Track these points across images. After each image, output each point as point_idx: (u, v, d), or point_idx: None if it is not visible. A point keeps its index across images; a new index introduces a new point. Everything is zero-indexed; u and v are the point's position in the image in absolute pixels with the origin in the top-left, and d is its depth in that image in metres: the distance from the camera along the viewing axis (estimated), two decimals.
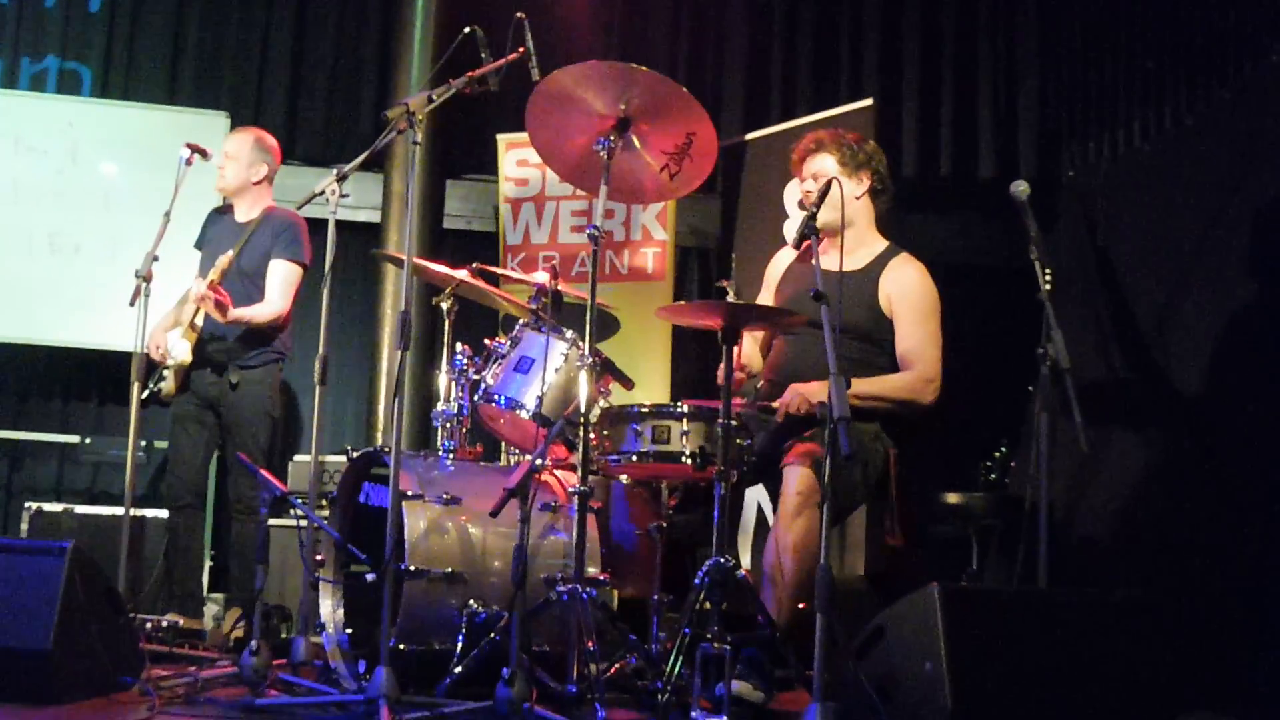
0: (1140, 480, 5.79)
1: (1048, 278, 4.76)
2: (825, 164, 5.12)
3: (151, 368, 5.97)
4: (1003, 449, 6.80)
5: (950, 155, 8.47)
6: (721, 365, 4.71)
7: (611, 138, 4.65)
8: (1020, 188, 4.85)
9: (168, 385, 6.02)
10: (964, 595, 3.73)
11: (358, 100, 8.60)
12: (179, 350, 5.98)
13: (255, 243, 6.13)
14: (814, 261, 4.19)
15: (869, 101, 6.93)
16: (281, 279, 6.13)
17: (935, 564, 6.64)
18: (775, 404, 4.81)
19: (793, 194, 6.54)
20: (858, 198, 5.10)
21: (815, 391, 4.72)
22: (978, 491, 6.64)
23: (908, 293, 5.03)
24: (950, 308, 5.17)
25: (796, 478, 4.61)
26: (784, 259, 5.48)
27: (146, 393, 5.96)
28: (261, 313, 6.04)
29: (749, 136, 7.40)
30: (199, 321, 5.96)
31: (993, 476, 6.79)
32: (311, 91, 8.63)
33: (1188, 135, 6.25)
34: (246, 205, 6.31)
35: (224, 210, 6.38)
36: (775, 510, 4.74)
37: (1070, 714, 3.67)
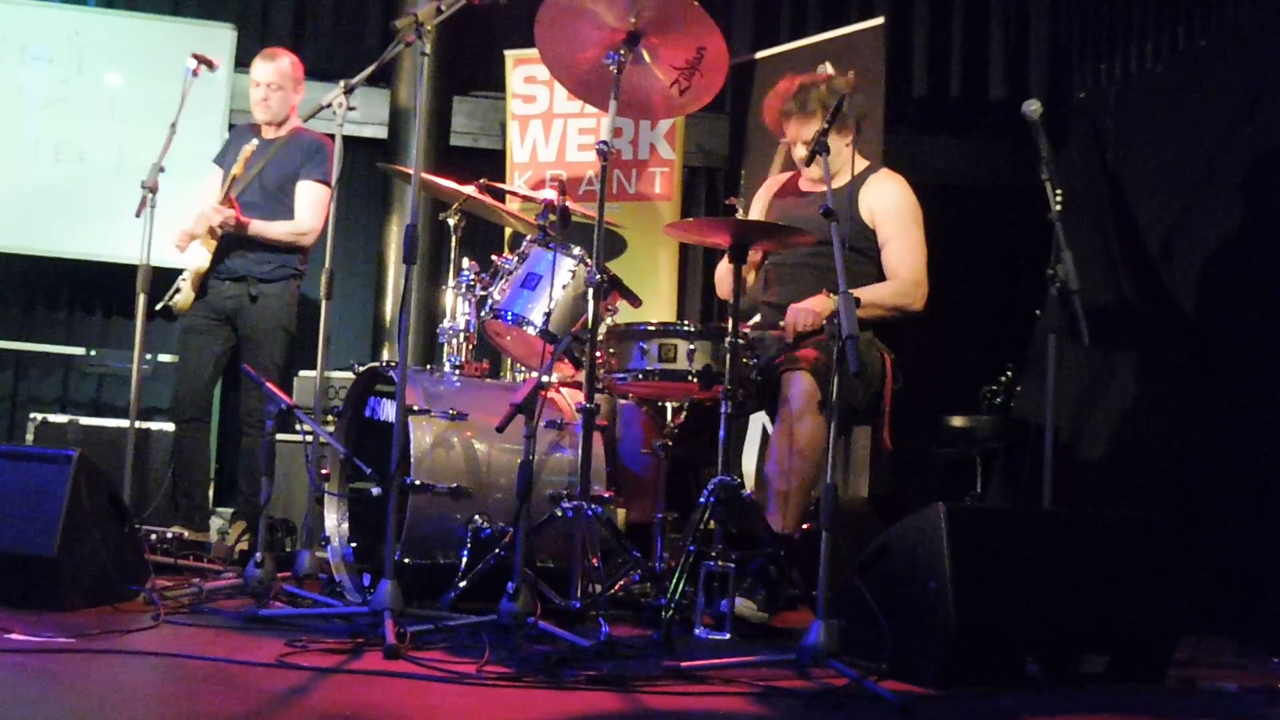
0: (1144, 402, 5.79)
1: (1058, 198, 4.73)
2: (813, 130, 5.06)
3: (165, 278, 5.95)
4: (1008, 372, 6.79)
5: (960, 76, 8.40)
6: (719, 269, 4.69)
7: (622, 51, 4.61)
8: (1033, 107, 4.82)
9: (183, 296, 6.02)
10: (969, 514, 3.74)
11: (364, 13, 8.51)
12: (198, 256, 5.97)
13: (281, 160, 6.11)
14: (825, 175, 4.16)
15: (879, 21, 6.85)
16: (313, 199, 6.12)
17: (939, 486, 6.67)
18: (782, 324, 4.82)
19: None
20: (847, 145, 5.14)
21: (819, 306, 4.75)
22: (983, 414, 6.64)
23: (888, 204, 5.12)
24: (956, 229, 5.18)
25: (796, 382, 4.62)
26: (768, 188, 5.55)
27: (161, 304, 5.96)
28: (291, 229, 6.07)
29: (758, 55, 7.33)
30: (219, 230, 5.96)
31: (998, 400, 6.79)
32: (318, 4, 8.54)
33: (1201, 56, 6.19)
34: (276, 127, 6.27)
35: (251, 129, 6.32)
36: (774, 421, 4.75)
37: (1073, 633, 3.69)
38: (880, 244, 5.08)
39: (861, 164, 5.27)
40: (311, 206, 6.12)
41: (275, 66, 6.21)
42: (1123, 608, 3.76)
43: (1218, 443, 5.30)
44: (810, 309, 4.79)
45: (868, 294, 4.81)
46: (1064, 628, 3.69)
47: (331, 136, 5.08)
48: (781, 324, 4.84)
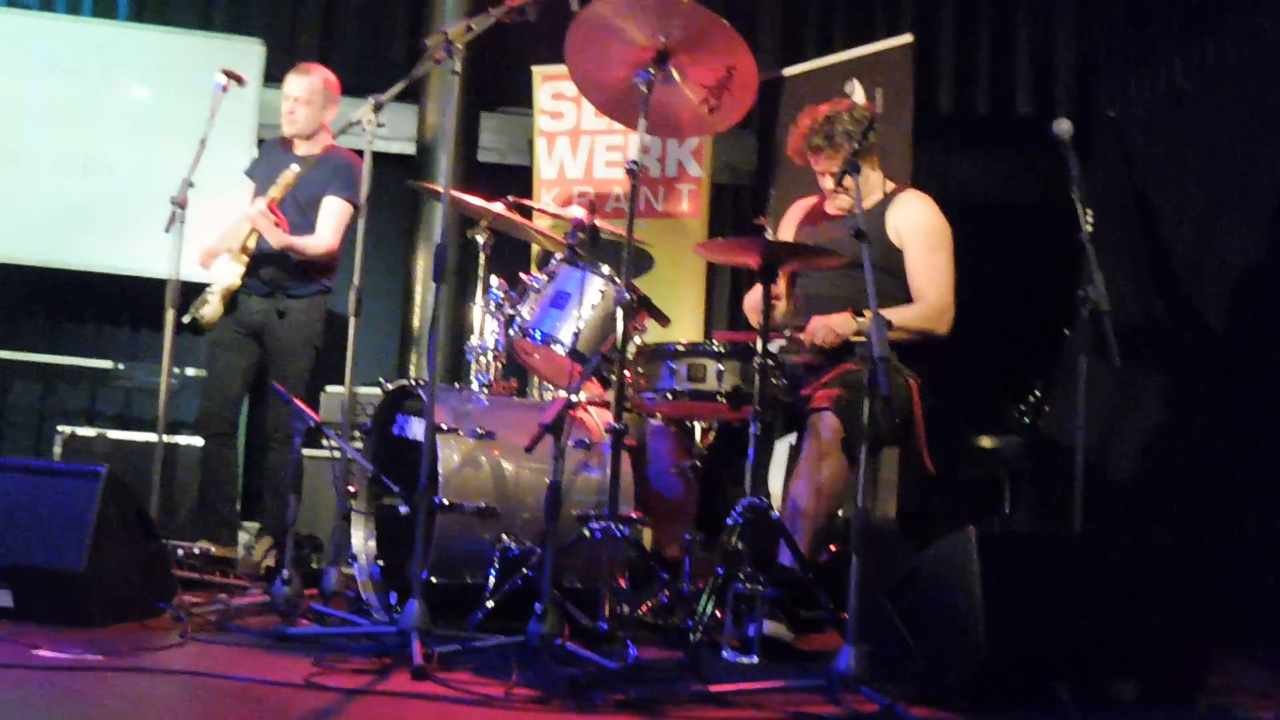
0: (1174, 422, 5.77)
1: (1089, 217, 4.71)
2: (837, 165, 5.06)
3: (194, 293, 5.96)
4: (1036, 392, 6.76)
5: (988, 92, 8.38)
6: (749, 294, 4.69)
7: (651, 70, 4.60)
8: (1063, 126, 4.80)
9: (210, 310, 6.02)
10: (1000, 538, 3.73)
11: (391, 28, 8.54)
12: (228, 272, 5.98)
13: (313, 177, 6.09)
14: (857, 195, 4.15)
15: (908, 38, 6.84)
16: (333, 215, 6.11)
17: (967, 507, 6.64)
18: (800, 336, 4.83)
19: None
20: (873, 170, 5.16)
21: (839, 323, 4.75)
22: (1011, 435, 6.61)
23: (916, 225, 5.12)
24: (984, 247, 5.17)
25: (822, 422, 4.61)
26: (794, 212, 5.54)
27: (188, 317, 5.97)
28: (311, 244, 6.03)
29: (786, 72, 7.32)
30: (251, 244, 5.96)
31: (1026, 420, 6.76)
32: (346, 18, 8.57)
33: (1230, 71, 6.16)
34: (307, 142, 6.27)
35: (282, 144, 6.33)
36: (800, 452, 4.75)
37: (1103, 657, 3.66)
38: (907, 265, 5.06)
39: (888, 185, 5.25)
40: (331, 223, 6.12)
41: (305, 82, 6.21)
42: (1154, 631, 3.73)
43: (1249, 463, 5.27)
44: (832, 326, 4.80)
45: (893, 316, 4.80)
46: (1094, 651, 3.66)
47: (361, 154, 5.07)
48: (802, 335, 4.85)
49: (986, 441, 6.46)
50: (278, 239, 5.86)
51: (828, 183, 5.17)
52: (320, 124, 6.25)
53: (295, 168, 5.94)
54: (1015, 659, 3.54)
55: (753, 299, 5.25)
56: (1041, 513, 6.25)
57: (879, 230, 5.06)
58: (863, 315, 4.08)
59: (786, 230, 5.46)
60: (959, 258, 5.11)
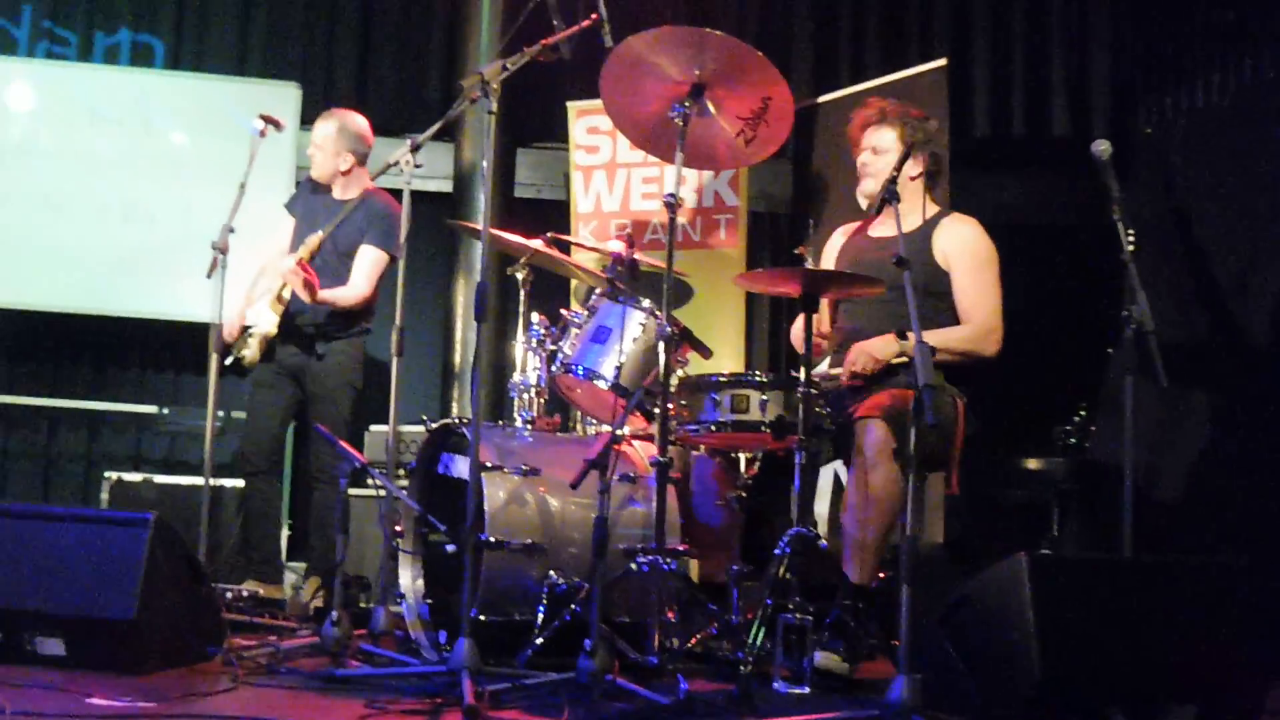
0: (1223, 441, 5.72)
1: (1130, 238, 4.69)
2: (885, 138, 5.12)
3: (230, 345, 6.00)
4: (1081, 413, 6.72)
5: (1023, 113, 8.35)
6: (795, 325, 4.68)
7: (687, 103, 4.61)
8: (1101, 147, 4.79)
9: (250, 354, 6.05)
10: (1052, 563, 3.71)
11: (426, 69, 8.57)
12: (265, 321, 6.01)
13: (350, 223, 6.11)
14: (896, 223, 4.14)
15: (942, 62, 6.83)
16: (369, 264, 6.11)
17: (1014, 530, 6.60)
18: (840, 369, 4.82)
19: None
20: (913, 178, 5.09)
21: (879, 348, 4.74)
22: (1057, 456, 6.57)
23: (963, 246, 5.08)
24: (1024, 269, 5.15)
25: (870, 431, 4.58)
26: (836, 239, 5.52)
27: (231, 358, 6.00)
28: (345, 295, 6.04)
29: (821, 99, 7.32)
30: (286, 295, 5.98)
31: (1072, 441, 6.71)
32: (380, 61, 8.61)
33: (1267, 88, 6.14)
34: (341, 186, 6.30)
35: (316, 185, 6.38)
36: (849, 469, 4.72)
37: (1158, 683, 3.63)
38: (954, 287, 5.04)
39: (934, 208, 5.23)
40: (366, 272, 6.12)
41: (320, 127, 6.26)
42: (1210, 656, 3.69)
43: None
44: (871, 353, 4.78)
45: (938, 338, 4.78)
46: (1150, 677, 3.63)
47: (399, 194, 5.09)
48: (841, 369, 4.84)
49: (1033, 464, 6.42)
50: (308, 296, 5.87)
51: (867, 185, 5.16)
52: (336, 170, 6.26)
53: (320, 235, 5.94)
54: (1069, 685, 3.51)
55: (797, 330, 5.25)
56: (1090, 535, 6.20)
57: (925, 252, 5.03)
58: (906, 337, 4.06)
59: (829, 256, 5.45)
60: (1000, 277, 5.09)
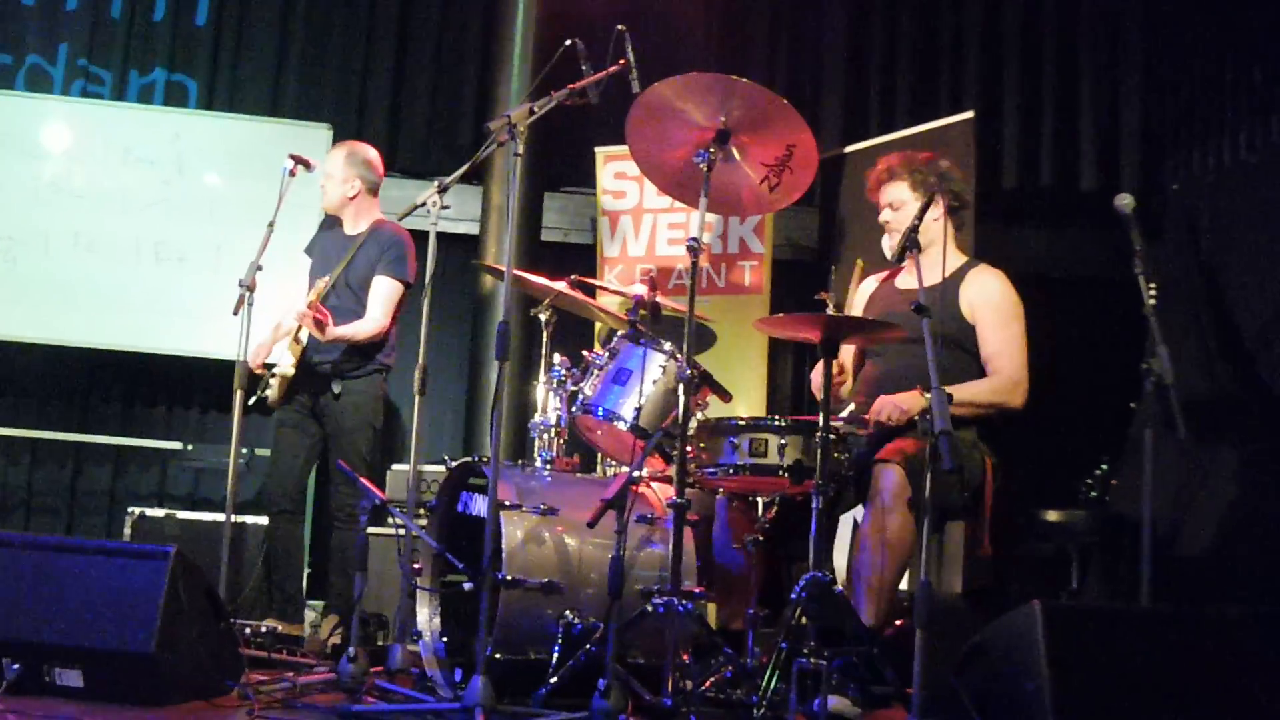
0: (1245, 496, 5.69)
1: (1152, 292, 4.69)
2: (899, 193, 5.16)
3: (257, 377, 6.04)
4: (1104, 466, 6.70)
5: (1051, 167, 8.37)
6: (815, 371, 4.69)
7: (712, 150, 4.63)
8: (1125, 201, 4.80)
9: (273, 394, 6.09)
10: (1066, 613, 3.69)
11: (458, 113, 8.66)
12: (283, 362, 6.04)
13: (362, 256, 6.17)
14: (917, 273, 4.16)
15: (970, 114, 6.87)
16: (384, 296, 6.15)
17: (1035, 582, 6.57)
18: (866, 416, 4.81)
19: None
20: (936, 219, 5.10)
21: (907, 402, 4.73)
22: (1078, 509, 6.55)
23: (989, 298, 5.10)
24: (1050, 321, 5.15)
25: (887, 476, 4.60)
26: (867, 286, 5.53)
27: (253, 399, 6.05)
28: (361, 330, 6.07)
29: (848, 149, 7.36)
30: (303, 336, 6.02)
31: (1093, 494, 6.69)
32: (412, 104, 8.69)
33: None
34: (352, 218, 6.36)
35: (335, 221, 6.43)
36: (865, 513, 4.73)
37: None
38: (980, 339, 5.05)
39: (960, 259, 5.25)
40: (382, 303, 6.16)
41: (330, 157, 6.37)
42: (1227, 710, 3.67)
43: None
44: (899, 405, 4.78)
45: (965, 392, 4.79)
46: None
47: (425, 234, 5.13)
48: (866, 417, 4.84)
49: (1053, 515, 6.40)
50: (323, 335, 5.90)
51: (884, 216, 5.18)
52: (345, 197, 6.32)
53: (327, 279, 6.01)
54: None
55: (817, 376, 5.26)
56: (1110, 588, 6.17)
57: (952, 304, 5.05)
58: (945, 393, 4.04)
59: (859, 303, 5.46)
60: (1025, 331, 5.09)
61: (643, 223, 7.60)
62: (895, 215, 5.17)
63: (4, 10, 8.42)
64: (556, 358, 5.06)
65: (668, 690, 4.13)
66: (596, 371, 4.82)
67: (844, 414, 5.11)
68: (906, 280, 5.30)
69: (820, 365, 4.93)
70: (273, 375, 6.10)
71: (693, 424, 4.49)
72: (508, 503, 4.48)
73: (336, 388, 6.12)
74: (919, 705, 3.52)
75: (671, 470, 4.45)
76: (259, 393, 6.10)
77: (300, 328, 5.98)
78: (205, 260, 7.97)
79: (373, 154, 6.40)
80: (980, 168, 6.88)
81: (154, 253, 8.02)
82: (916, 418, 4.73)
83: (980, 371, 5.04)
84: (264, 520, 6.72)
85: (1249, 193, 6.21)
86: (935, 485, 3.77)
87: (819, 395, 5.15)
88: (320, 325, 5.82)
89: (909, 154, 5.29)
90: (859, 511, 5.59)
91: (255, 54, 8.63)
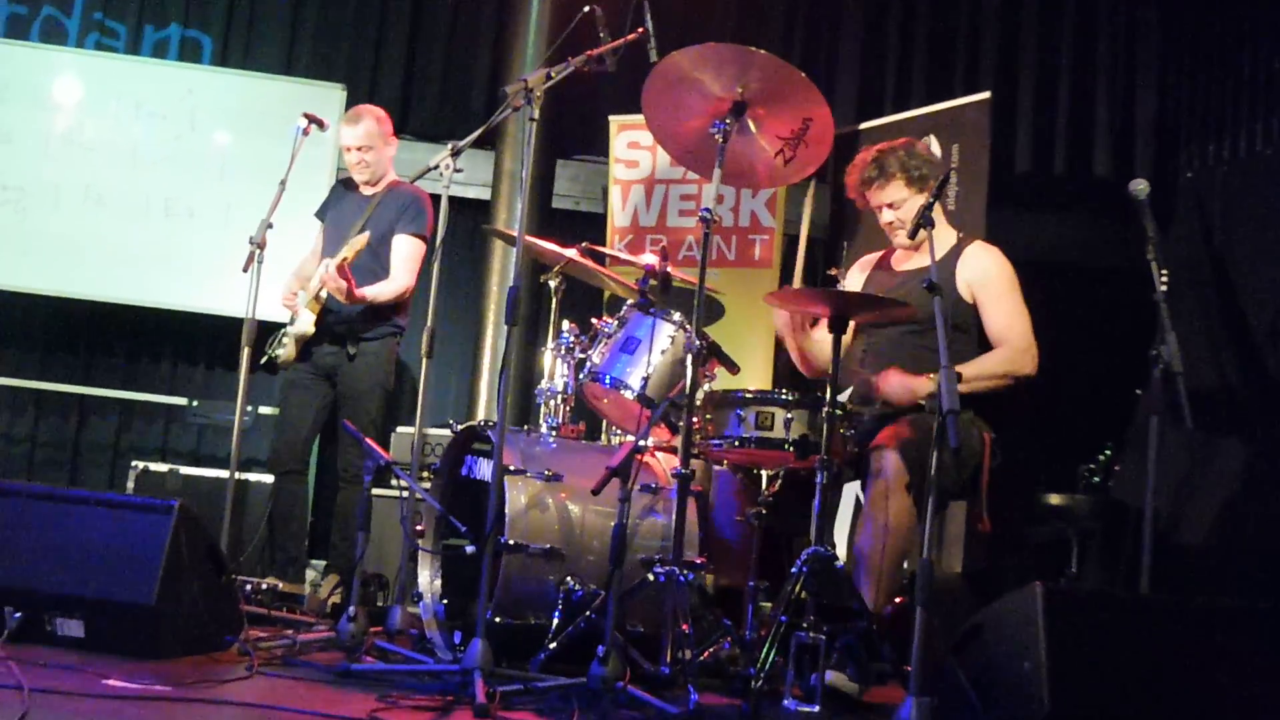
0: (1248, 488, 5.69)
1: (1164, 278, 4.69)
2: (897, 192, 5.09)
3: (265, 335, 6.01)
4: (1106, 451, 6.70)
5: (1065, 152, 8.36)
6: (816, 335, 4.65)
7: (727, 120, 4.62)
8: (1139, 186, 4.80)
9: (286, 352, 6.08)
10: (1067, 596, 3.68)
11: (471, 77, 8.64)
12: (302, 321, 6.03)
13: (379, 216, 6.16)
14: (930, 251, 4.15)
15: (986, 95, 6.84)
16: (406, 254, 6.14)
17: (1034, 565, 6.58)
18: (874, 379, 4.81)
19: None
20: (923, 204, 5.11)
21: (919, 385, 4.72)
22: (1080, 493, 6.55)
23: (986, 275, 5.08)
24: (1059, 307, 5.14)
25: (887, 461, 4.59)
26: (861, 270, 5.51)
27: (265, 357, 6.05)
28: (386, 290, 6.06)
29: (862, 126, 7.34)
30: (324, 295, 6.01)
31: (1095, 479, 6.69)
32: (426, 67, 8.68)
33: None
34: (373, 182, 6.35)
35: (349, 184, 6.41)
36: (866, 495, 4.73)
37: None
38: (982, 315, 5.03)
39: (952, 236, 5.23)
40: (406, 262, 6.15)
41: (362, 130, 6.24)
42: (1223, 700, 3.68)
43: None
44: (911, 387, 4.76)
45: (976, 367, 4.79)
46: (1160, 715, 3.61)
47: (438, 197, 5.13)
48: (874, 381, 4.84)
49: (1055, 499, 6.40)
50: (348, 298, 5.89)
51: (885, 215, 5.16)
52: (388, 165, 6.31)
53: (366, 235, 5.94)
54: (1079, 718, 3.50)
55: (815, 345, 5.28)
56: (1109, 574, 6.18)
57: (949, 284, 5.03)
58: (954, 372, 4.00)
59: (854, 282, 5.45)
60: (1033, 315, 5.08)
61: (654, 193, 7.59)
62: (898, 213, 5.11)
63: None
64: (565, 324, 5.06)
65: (666, 660, 4.15)
66: (605, 339, 4.81)
67: (846, 394, 5.12)
68: (905, 264, 5.28)
69: (819, 333, 4.94)
70: (286, 334, 6.09)
71: (699, 395, 4.48)
72: (512, 467, 4.49)
73: (352, 349, 6.11)
74: (916, 683, 3.52)
75: (677, 440, 4.45)
76: (268, 350, 6.10)
77: (322, 288, 5.97)
78: (215, 217, 7.98)
79: (383, 113, 6.38)
80: (994, 150, 6.86)
81: (164, 208, 8.02)
82: (924, 400, 4.74)
83: (975, 351, 5.00)
84: (266, 478, 6.73)
85: (1262, 185, 6.18)
86: (942, 464, 3.76)
87: (815, 368, 5.17)
88: (347, 291, 5.81)
89: (884, 150, 5.18)
90: (860, 488, 5.60)
91: (270, 12, 8.62)
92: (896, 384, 4.80)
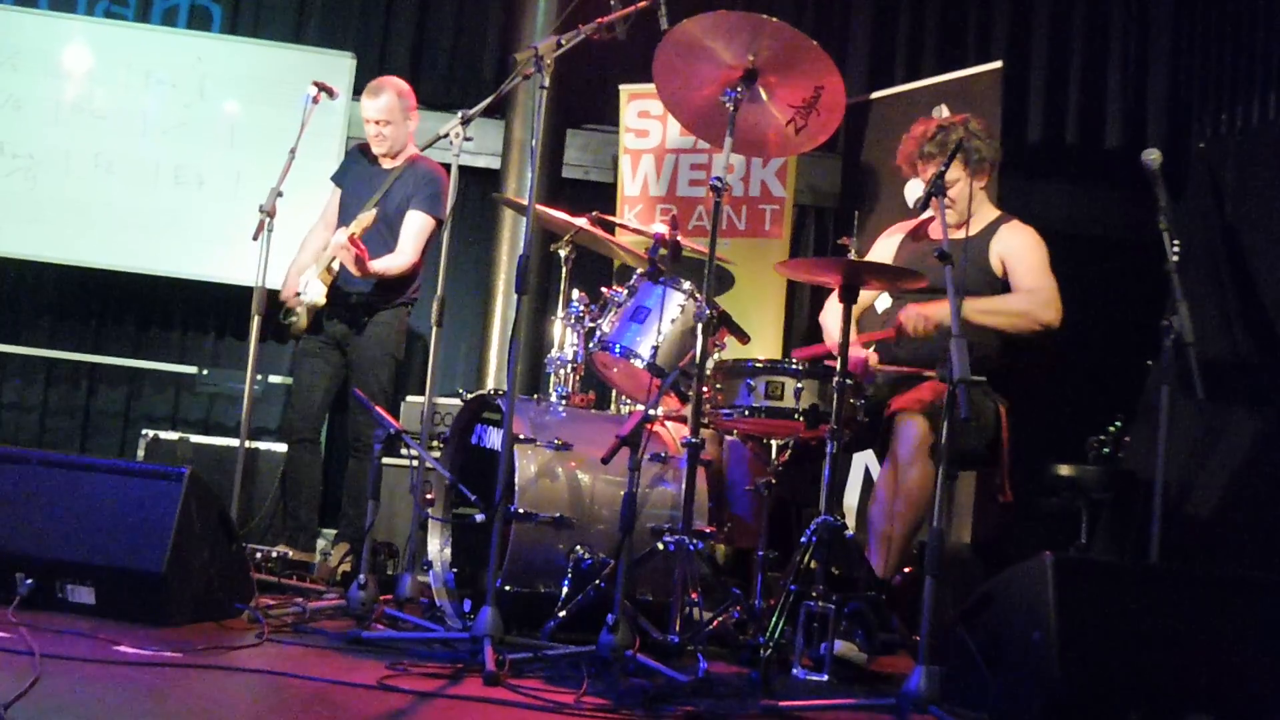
0: (1259, 460, 5.68)
1: (1176, 248, 4.67)
2: (952, 172, 5.04)
3: (275, 303, 6.01)
4: (1117, 422, 6.68)
5: (1077, 122, 8.33)
6: (824, 312, 4.63)
7: (739, 89, 4.60)
8: (1152, 156, 4.78)
9: (299, 321, 6.08)
10: (1077, 566, 3.68)
11: (481, 46, 8.62)
12: (313, 291, 6.02)
13: (397, 190, 6.14)
14: (940, 218, 4.14)
15: (998, 64, 6.81)
16: (415, 231, 6.11)
17: (1043, 535, 6.56)
18: (901, 319, 4.82)
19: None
20: (981, 188, 5.12)
21: (934, 312, 4.73)
22: (1090, 464, 6.53)
23: (1019, 249, 5.12)
24: (1071, 277, 5.13)
25: (909, 427, 4.60)
26: (892, 241, 5.50)
27: (285, 319, 6.05)
28: (393, 265, 6.03)
29: (874, 96, 7.32)
30: (335, 266, 5.99)
31: (1105, 450, 6.67)
32: (436, 36, 8.65)
33: None
34: (393, 155, 6.32)
35: (368, 154, 6.38)
36: (882, 463, 4.73)
37: (1178, 691, 3.61)
38: (1013, 283, 5.07)
39: (994, 213, 5.25)
40: (414, 238, 6.12)
41: (384, 103, 6.18)
42: (1232, 669, 3.67)
43: None
44: (926, 314, 4.77)
45: (997, 302, 4.85)
46: (1169, 685, 3.61)
47: (448, 166, 5.12)
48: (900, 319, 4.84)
49: (1065, 470, 6.38)
50: (359, 270, 5.88)
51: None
52: (408, 138, 6.28)
53: (373, 213, 5.92)
54: (1089, 688, 3.50)
55: (827, 317, 5.28)
56: (1119, 545, 6.17)
57: (981, 256, 5.06)
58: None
59: (884, 250, 5.43)
60: None
61: (664, 162, 7.57)
62: (949, 192, 5.04)
63: None
64: (575, 293, 5.05)
65: (675, 628, 4.15)
66: (615, 308, 4.81)
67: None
68: (937, 229, 5.26)
69: (829, 306, 4.93)
70: (300, 304, 6.09)
71: (709, 364, 4.48)
72: (522, 436, 4.49)
73: (363, 318, 6.10)
74: (925, 652, 3.53)
75: (687, 410, 4.45)
76: (282, 318, 6.09)
77: (334, 258, 5.96)
78: (224, 185, 7.96)
79: (407, 86, 6.35)
80: (1006, 120, 6.84)
81: (173, 176, 8.01)
82: (937, 371, 4.74)
83: None
84: (277, 447, 6.74)
85: (1275, 155, 6.16)
86: (953, 433, 3.76)
87: (830, 342, 5.16)
88: (359, 262, 5.80)
89: (946, 128, 5.17)
90: (869, 455, 5.60)
91: None
92: (914, 313, 4.81)
